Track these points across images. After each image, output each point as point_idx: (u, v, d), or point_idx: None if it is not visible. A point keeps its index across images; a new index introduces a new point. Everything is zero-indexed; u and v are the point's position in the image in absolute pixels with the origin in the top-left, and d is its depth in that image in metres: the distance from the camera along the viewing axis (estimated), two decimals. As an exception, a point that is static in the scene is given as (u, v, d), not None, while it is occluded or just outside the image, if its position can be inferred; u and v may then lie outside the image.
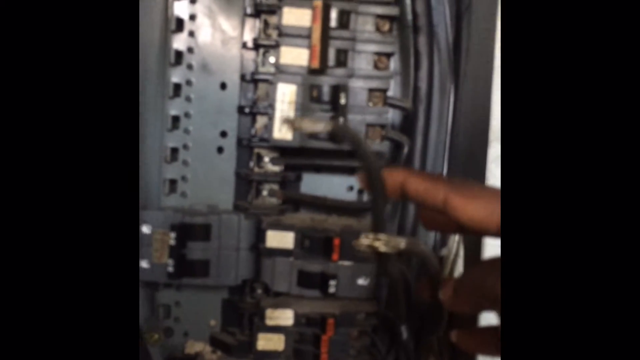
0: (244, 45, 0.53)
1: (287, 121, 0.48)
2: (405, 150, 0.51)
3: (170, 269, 0.49)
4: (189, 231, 0.50)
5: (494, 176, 0.51)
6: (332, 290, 0.49)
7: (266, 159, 0.53)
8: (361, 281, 0.50)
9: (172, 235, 0.49)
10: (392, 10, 0.50)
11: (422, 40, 0.52)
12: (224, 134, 0.54)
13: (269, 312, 0.50)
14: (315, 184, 0.55)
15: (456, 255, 0.52)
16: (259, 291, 0.52)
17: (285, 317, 0.50)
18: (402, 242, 0.33)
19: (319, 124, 0.34)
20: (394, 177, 0.32)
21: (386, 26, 0.50)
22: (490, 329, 0.35)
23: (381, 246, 0.33)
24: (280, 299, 0.51)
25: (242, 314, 0.52)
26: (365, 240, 0.33)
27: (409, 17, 0.53)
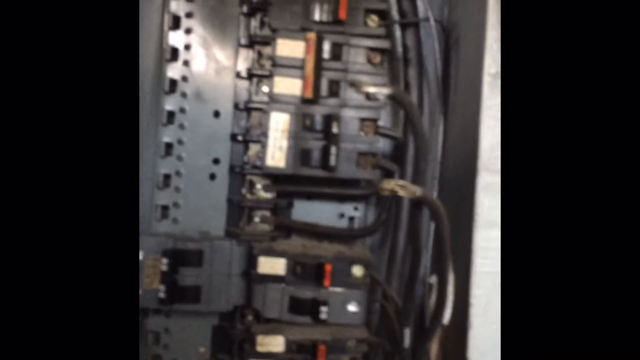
0: (238, 75, 0.54)
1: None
2: (396, 177, 0.52)
3: (162, 294, 0.49)
4: (181, 257, 0.50)
5: (482, 205, 0.52)
6: (323, 316, 0.49)
7: (258, 186, 0.53)
8: (352, 307, 0.50)
9: (164, 261, 0.49)
10: (383, 43, 0.51)
11: (412, 72, 0.53)
12: (216, 161, 0.54)
13: (259, 339, 0.50)
14: (306, 211, 0.56)
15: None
16: (250, 317, 0.52)
17: (276, 343, 0.50)
18: (418, 190, 0.37)
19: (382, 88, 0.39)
20: None
21: (377, 58, 0.52)
22: None
23: (400, 190, 0.38)
24: (271, 326, 0.51)
25: (233, 340, 0.52)
26: (387, 185, 0.39)
27: (399, 49, 0.54)
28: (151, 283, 0.49)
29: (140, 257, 0.49)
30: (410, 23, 0.54)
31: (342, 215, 0.56)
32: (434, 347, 0.50)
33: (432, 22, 0.54)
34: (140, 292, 0.49)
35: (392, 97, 0.49)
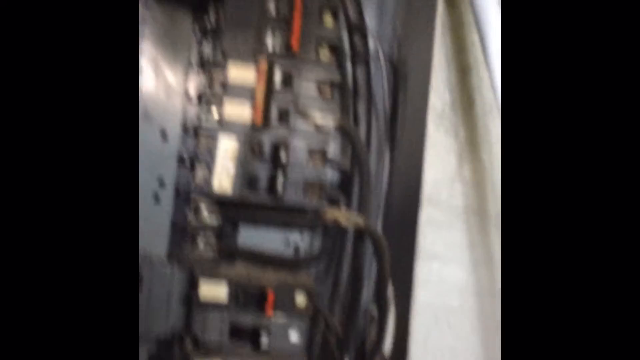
0: (188, 97, 0.54)
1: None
2: (342, 207, 0.53)
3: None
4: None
5: (425, 238, 0.53)
6: (264, 347, 0.49)
7: (204, 210, 0.53)
8: (294, 338, 0.50)
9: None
10: (334, 76, 0.53)
11: (361, 106, 0.55)
12: (161, 183, 0.53)
13: (197, 367, 0.49)
14: (252, 237, 0.55)
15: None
16: (189, 344, 0.51)
17: (214, 372, 0.49)
18: (360, 221, 0.38)
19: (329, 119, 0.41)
20: None
21: (327, 91, 0.53)
22: None
23: (343, 220, 0.39)
24: (211, 353, 0.50)
25: (169, 368, 0.51)
26: (331, 214, 0.39)
27: (350, 83, 0.56)
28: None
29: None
30: (361, 59, 0.55)
31: (288, 243, 0.56)
32: (373, 378, 0.51)
33: (381, 59, 0.56)
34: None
35: (339, 129, 0.50)
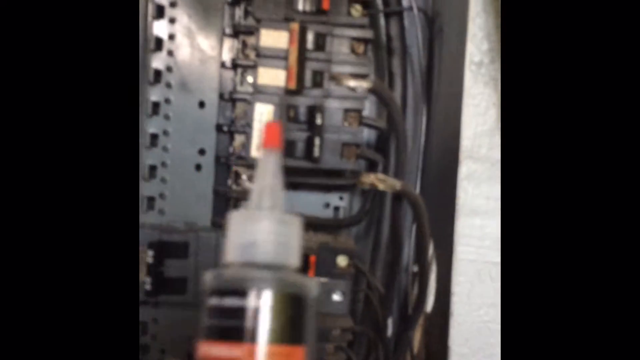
0: (223, 65, 0.54)
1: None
2: (380, 168, 0.53)
3: (148, 286, 0.50)
4: (167, 249, 0.51)
5: (465, 193, 0.52)
6: (308, 306, 0.50)
7: (244, 177, 0.53)
8: (336, 297, 0.51)
9: (150, 253, 0.50)
10: (367, 33, 0.51)
11: (396, 62, 0.53)
12: (202, 152, 0.54)
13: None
14: (292, 201, 0.56)
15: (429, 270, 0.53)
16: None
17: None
18: (397, 184, 0.38)
19: (361, 81, 0.42)
20: None
21: (361, 48, 0.52)
22: None
23: (379, 184, 0.39)
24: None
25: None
26: (367, 178, 0.38)
27: (383, 39, 0.54)
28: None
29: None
30: (394, 12, 0.54)
31: (327, 205, 0.56)
32: (417, 335, 0.51)
33: (415, 11, 0.54)
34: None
35: (372, 91, 0.49)
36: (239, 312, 0.25)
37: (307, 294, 0.26)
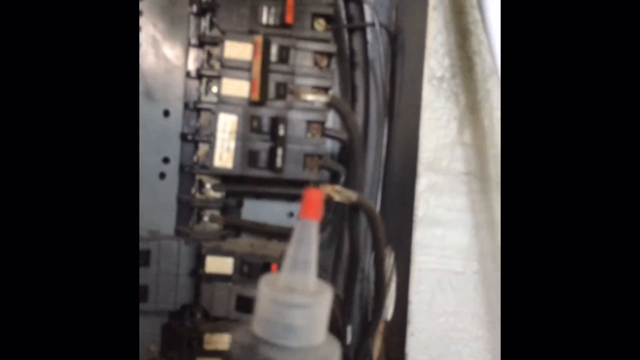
0: (188, 74, 0.54)
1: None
2: (342, 179, 0.54)
3: (109, 294, 0.50)
4: (129, 257, 0.51)
5: (427, 204, 0.53)
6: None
7: (208, 186, 0.54)
8: (297, 305, 0.51)
9: (112, 261, 0.50)
10: (330, 47, 0.53)
11: (359, 76, 0.55)
12: (166, 160, 0.55)
13: (207, 337, 0.51)
14: (256, 210, 0.56)
15: (390, 279, 0.54)
16: (198, 316, 0.53)
17: (223, 341, 0.51)
18: (354, 196, 0.38)
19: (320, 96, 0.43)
20: None
21: (324, 62, 0.53)
22: None
23: (336, 195, 0.39)
24: (219, 324, 0.52)
25: (182, 338, 0.53)
26: (324, 189, 0.38)
27: (347, 53, 0.56)
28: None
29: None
30: (357, 27, 0.55)
31: (291, 214, 0.57)
32: (376, 343, 0.52)
33: (377, 27, 0.55)
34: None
35: (330, 105, 0.50)
36: None
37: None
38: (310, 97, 0.47)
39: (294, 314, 0.26)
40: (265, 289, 0.27)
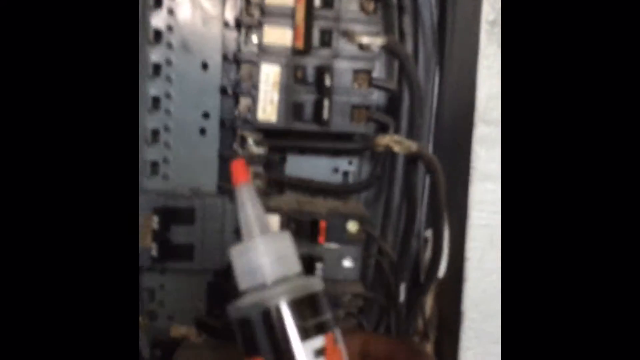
0: (226, 25, 0.52)
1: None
2: (391, 131, 0.51)
3: (154, 253, 0.49)
4: (173, 215, 0.49)
5: (478, 157, 0.51)
6: (318, 272, 0.49)
7: (250, 141, 0.52)
8: (347, 263, 0.50)
9: (155, 219, 0.49)
10: (377, -10, 0.49)
11: (407, 21, 0.51)
12: (206, 115, 0.53)
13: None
14: (300, 166, 0.55)
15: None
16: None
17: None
18: (414, 146, 0.37)
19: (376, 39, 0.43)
20: (354, 342, 0.32)
21: (371, 6, 0.50)
22: None
23: (395, 146, 0.39)
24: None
25: (227, 297, 0.52)
26: (382, 140, 0.38)
27: (394, -5, 0.52)
28: (143, 241, 0.49)
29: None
30: (405, -32, 0.51)
31: (336, 170, 0.55)
32: (429, 301, 0.51)
33: (427, -33, 0.52)
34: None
35: (386, 48, 0.47)
36: (271, 330, 0.26)
37: (317, 289, 0.28)
38: (365, 39, 0.44)
39: (259, 254, 0.28)
40: (233, 252, 0.29)
